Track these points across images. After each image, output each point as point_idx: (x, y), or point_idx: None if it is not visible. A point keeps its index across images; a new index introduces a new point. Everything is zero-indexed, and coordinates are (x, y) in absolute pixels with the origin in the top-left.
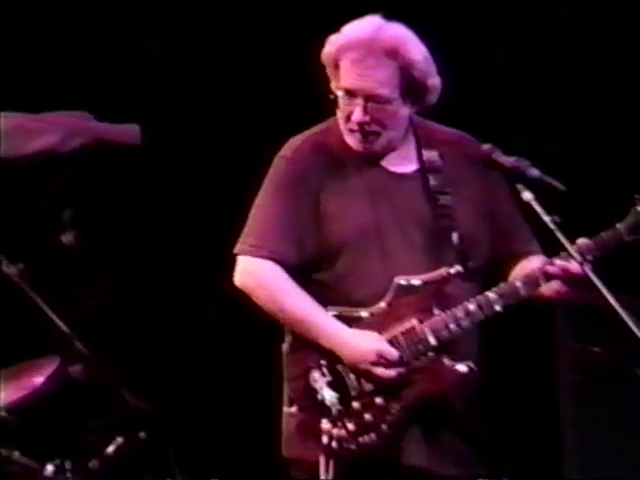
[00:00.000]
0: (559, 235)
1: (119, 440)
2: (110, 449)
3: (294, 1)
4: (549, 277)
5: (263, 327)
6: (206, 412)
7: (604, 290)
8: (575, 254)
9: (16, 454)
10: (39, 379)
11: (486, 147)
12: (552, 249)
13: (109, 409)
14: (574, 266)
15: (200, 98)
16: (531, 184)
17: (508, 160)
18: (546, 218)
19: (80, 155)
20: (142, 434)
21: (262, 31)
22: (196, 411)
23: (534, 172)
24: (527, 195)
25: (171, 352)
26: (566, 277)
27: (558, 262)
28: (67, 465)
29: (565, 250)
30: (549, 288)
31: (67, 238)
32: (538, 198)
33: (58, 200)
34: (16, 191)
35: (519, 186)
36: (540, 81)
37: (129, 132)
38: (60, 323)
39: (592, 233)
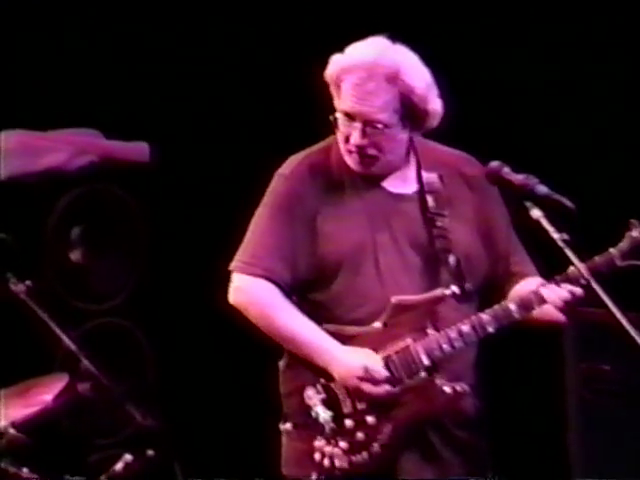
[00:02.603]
0: (568, 253)
1: (127, 457)
2: (118, 466)
3: (301, 19)
4: (543, 301)
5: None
6: (213, 428)
7: (612, 307)
8: (584, 272)
9: (25, 471)
10: (48, 396)
11: (495, 164)
12: (554, 267)
13: (117, 426)
14: (567, 293)
15: (209, 116)
16: (540, 201)
17: (517, 177)
18: (555, 236)
19: (88, 173)
20: (150, 451)
21: (270, 48)
22: (203, 428)
23: (543, 189)
24: (536, 212)
25: (178, 369)
26: (560, 302)
27: (553, 287)
28: None
29: (574, 267)
30: (541, 311)
31: (75, 256)
32: (547, 216)
33: (66, 218)
34: (24, 209)
35: (528, 203)
36: (547, 98)
37: (137, 150)
38: (68, 340)
39: (599, 250)
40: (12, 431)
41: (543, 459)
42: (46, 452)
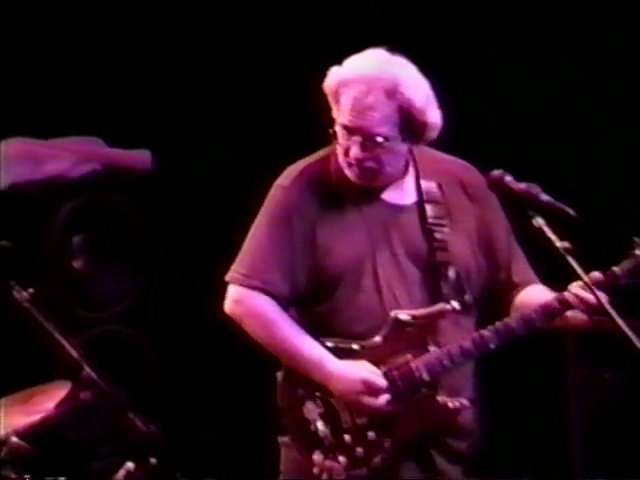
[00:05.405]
0: (571, 262)
1: (129, 465)
2: (120, 474)
3: (302, 30)
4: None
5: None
6: (216, 436)
7: (614, 314)
8: (587, 281)
9: (27, 479)
10: (50, 404)
11: (497, 173)
12: (556, 274)
13: (119, 434)
14: (575, 312)
15: (212, 124)
16: (543, 210)
17: (519, 186)
18: (558, 244)
19: (91, 181)
20: (152, 459)
21: (271, 58)
22: (206, 436)
23: (546, 198)
24: (539, 221)
25: (181, 377)
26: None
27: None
28: None
29: (578, 276)
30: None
31: (78, 263)
32: (549, 224)
33: (69, 225)
34: (26, 216)
35: (530, 212)
36: (548, 108)
37: (140, 158)
38: (70, 348)
39: (601, 257)
40: (14, 439)
41: (545, 466)
42: (48, 460)
